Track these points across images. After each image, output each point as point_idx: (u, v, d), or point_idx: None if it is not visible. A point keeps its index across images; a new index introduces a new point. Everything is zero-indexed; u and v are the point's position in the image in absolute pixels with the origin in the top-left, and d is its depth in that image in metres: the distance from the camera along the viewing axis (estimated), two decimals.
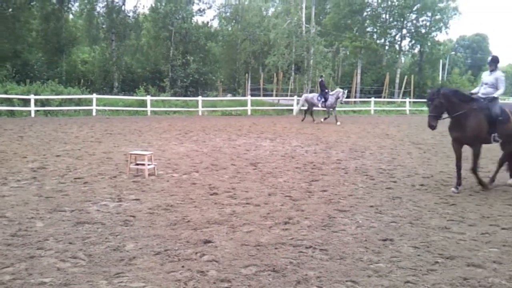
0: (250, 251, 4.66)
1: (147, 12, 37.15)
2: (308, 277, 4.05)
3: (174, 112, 25.89)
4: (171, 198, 6.85)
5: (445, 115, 7.74)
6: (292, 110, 28.12)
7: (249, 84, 35.33)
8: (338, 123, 21.18)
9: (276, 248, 4.75)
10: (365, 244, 4.98)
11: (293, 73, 34.70)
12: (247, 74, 36.70)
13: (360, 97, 37.68)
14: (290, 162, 10.39)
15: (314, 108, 22.89)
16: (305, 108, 23.07)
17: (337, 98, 21.51)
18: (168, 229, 5.35)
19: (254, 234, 5.21)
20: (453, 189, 7.74)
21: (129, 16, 36.17)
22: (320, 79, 23.15)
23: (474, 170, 7.77)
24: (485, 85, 8.07)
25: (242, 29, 38.24)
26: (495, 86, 7.90)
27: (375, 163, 10.44)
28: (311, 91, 32.58)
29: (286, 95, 33.34)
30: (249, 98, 28.12)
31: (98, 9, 34.82)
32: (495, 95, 7.84)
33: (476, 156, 7.74)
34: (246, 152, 11.74)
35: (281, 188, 7.70)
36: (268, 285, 3.87)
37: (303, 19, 31.08)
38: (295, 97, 28.62)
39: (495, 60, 8.16)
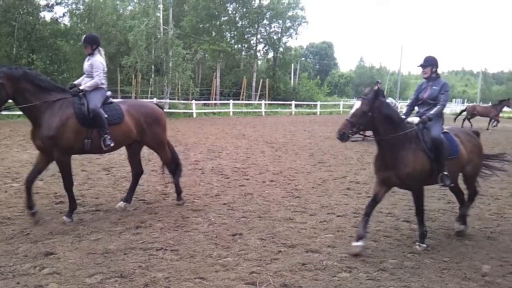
0: (97, 259, 4.46)
1: None
2: (157, 278, 4.03)
3: (18, 116, 23.27)
4: (9, 210, 6.19)
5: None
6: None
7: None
8: None
9: (125, 254, 4.63)
10: (215, 240, 5.14)
11: (152, 75, 33.97)
12: None
13: (220, 100, 38.58)
14: (146, 165, 10.11)
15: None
16: None
17: None
18: (3, 244, 4.84)
19: (102, 241, 5.00)
20: (64, 217, 5.76)
21: None
22: (376, 86, 17.16)
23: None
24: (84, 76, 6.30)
25: (96, 28, 36.05)
26: (92, 75, 6.16)
27: (231, 163, 10.81)
28: (171, 93, 32.44)
29: (147, 97, 32.52)
30: None
31: None
32: (83, 87, 6.06)
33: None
34: (99, 157, 11.15)
35: (134, 192, 7.48)
36: None
37: (161, 20, 30.69)
38: (155, 99, 28.06)
39: (90, 40, 6.15)
